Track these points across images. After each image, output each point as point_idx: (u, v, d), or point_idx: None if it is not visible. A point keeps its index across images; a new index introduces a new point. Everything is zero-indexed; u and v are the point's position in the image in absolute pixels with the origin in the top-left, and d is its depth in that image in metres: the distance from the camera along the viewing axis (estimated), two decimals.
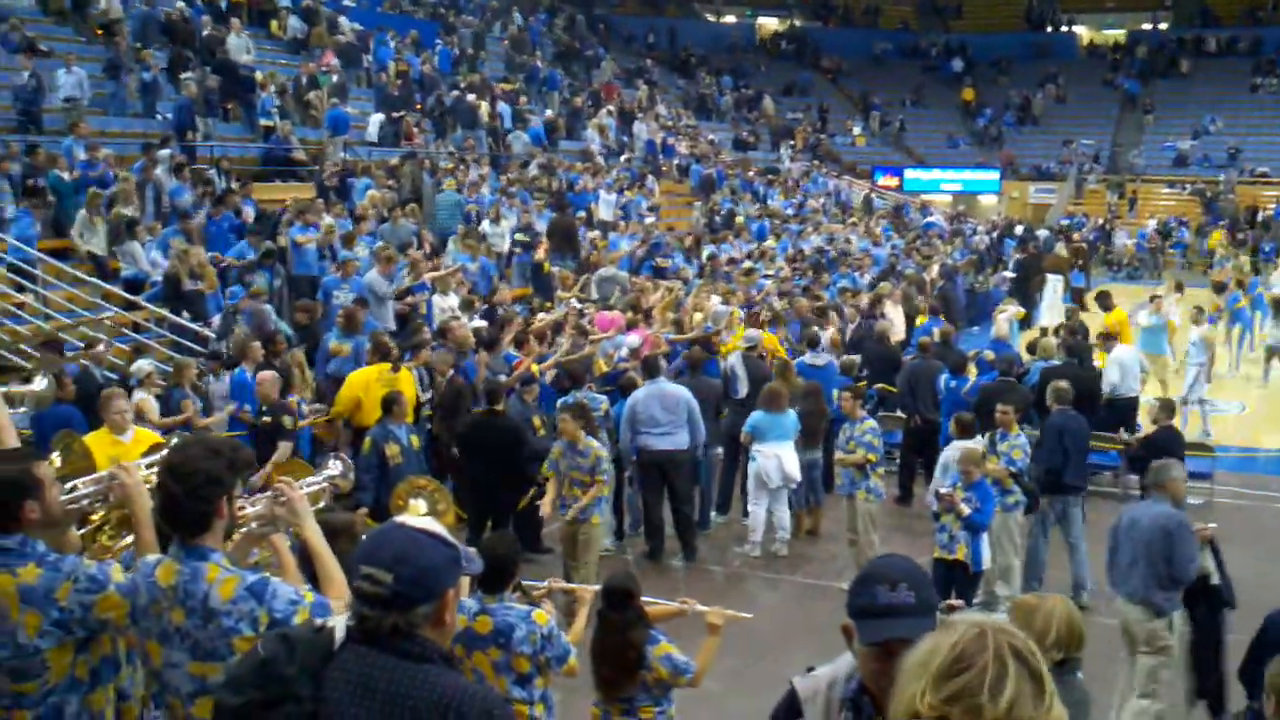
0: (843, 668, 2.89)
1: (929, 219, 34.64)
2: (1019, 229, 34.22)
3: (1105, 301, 17.21)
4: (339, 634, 2.48)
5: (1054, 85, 46.87)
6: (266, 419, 10.38)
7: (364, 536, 3.93)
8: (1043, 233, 33.33)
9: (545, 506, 9.71)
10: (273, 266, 14.70)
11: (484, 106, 26.06)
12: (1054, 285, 24.90)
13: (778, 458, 11.13)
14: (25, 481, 3.75)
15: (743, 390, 12.37)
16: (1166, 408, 10.86)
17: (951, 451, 9.98)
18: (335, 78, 23.35)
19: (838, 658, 2.96)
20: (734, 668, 8.33)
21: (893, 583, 2.63)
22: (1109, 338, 14.38)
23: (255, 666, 2.42)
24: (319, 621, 2.55)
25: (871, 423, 10.54)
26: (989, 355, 13.99)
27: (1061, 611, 4.47)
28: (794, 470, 11.23)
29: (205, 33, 21.96)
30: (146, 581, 3.47)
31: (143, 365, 10.71)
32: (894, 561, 2.85)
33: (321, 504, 4.35)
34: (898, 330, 17.05)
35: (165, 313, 13.14)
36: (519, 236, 19.47)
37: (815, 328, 14.40)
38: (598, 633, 5.55)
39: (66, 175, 15.29)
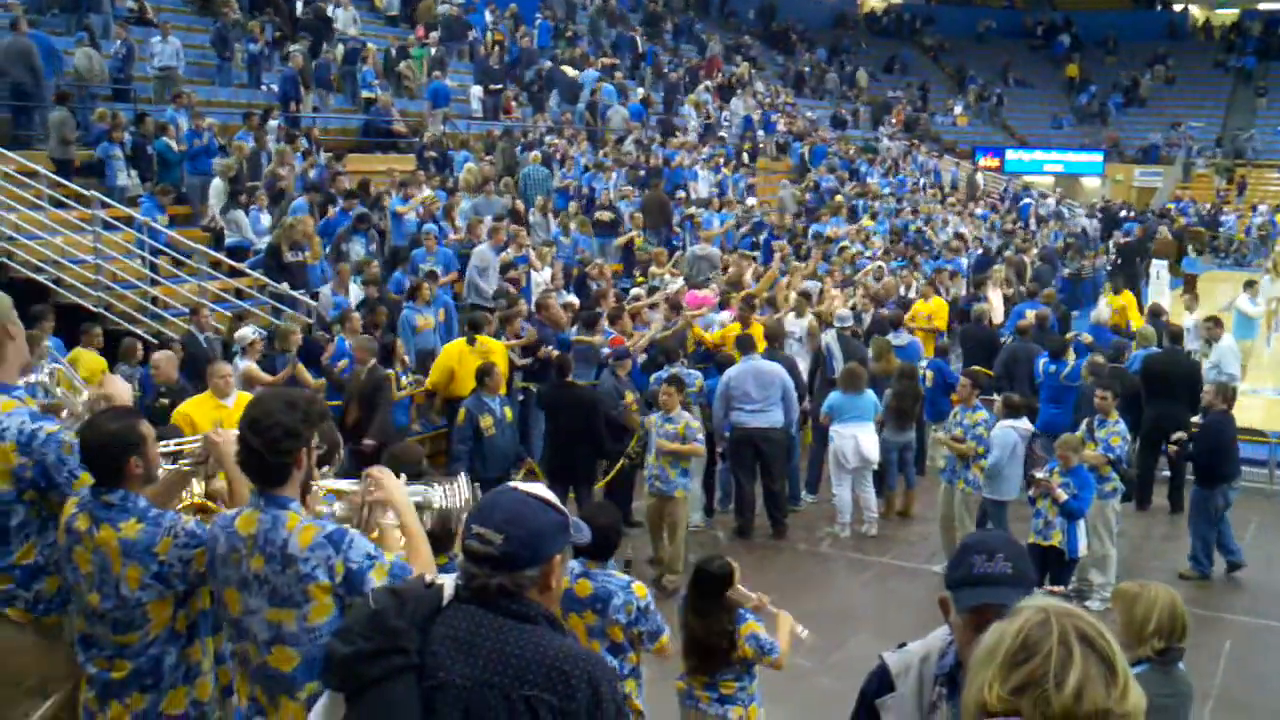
0: (935, 643, 2.87)
1: (1023, 201, 34.06)
2: (1128, 212, 33.47)
3: (1117, 284, 17.07)
4: (448, 591, 2.53)
5: (1163, 66, 45.58)
6: (164, 400, 9.51)
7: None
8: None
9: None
10: (367, 232, 14.84)
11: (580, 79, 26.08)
12: (1158, 270, 24.30)
13: (855, 438, 11.04)
14: (131, 437, 3.89)
15: (838, 369, 12.28)
16: (1221, 391, 10.62)
17: (998, 432, 9.87)
18: (434, 50, 23.52)
19: (930, 634, 2.95)
20: (823, 647, 8.31)
21: (990, 553, 2.64)
22: (1216, 324, 14.00)
23: (366, 618, 2.47)
24: (429, 578, 2.59)
25: (985, 414, 10.11)
26: (1086, 339, 13.74)
27: (1164, 600, 4.36)
28: (872, 451, 11.11)
29: (301, 2, 22.25)
30: (226, 531, 3.56)
31: (245, 333, 10.90)
32: (992, 535, 2.86)
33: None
34: (996, 313, 16.79)
35: (267, 280, 13.38)
36: (601, 216, 19.26)
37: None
38: (687, 616, 5.57)
39: (175, 145, 15.62)
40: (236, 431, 3.70)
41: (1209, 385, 11.01)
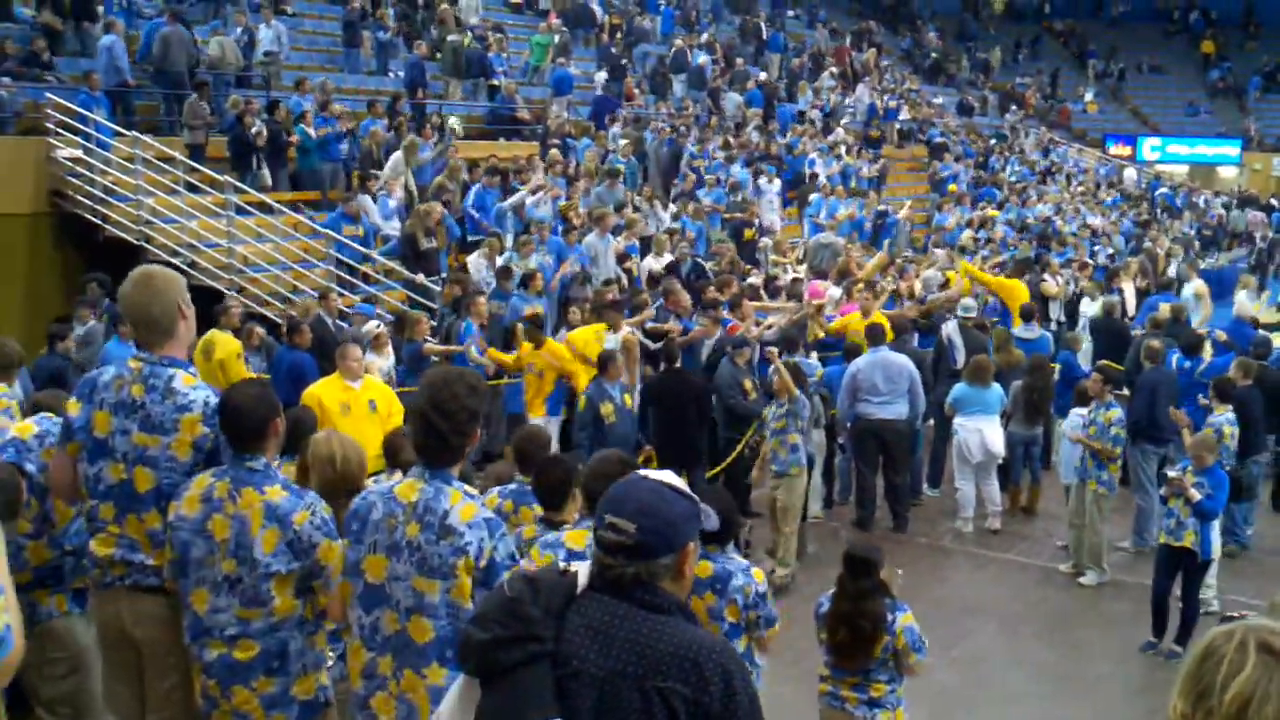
0: None
1: (1161, 189, 33.10)
2: (1275, 201, 32.34)
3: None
4: (582, 579, 2.54)
5: None
6: None
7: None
8: None
9: (755, 471, 9.74)
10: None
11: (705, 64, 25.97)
12: None
13: (980, 432, 10.85)
14: (272, 399, 4.13)
15: (960, 360, 12.07)
16: (1244, 368, 10.26)
17: (1072, 419, 9.88)
18: (557, 37, 23.62)
19: None
20: (943, 640, 8.22)
21: None
22: None
23: (501, 604, 2.48)
24: (563, 565, 2.60)
25: (1118, 411, 9.76)
26: (1220, 335, 13.29)
27: None
28: (997, 445, 10.91)
29: None
30: (384, 498, 3.66)
31: (370, 326, 11.04)
32: None
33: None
34: (1129, 306, 16.34)
35: (395, 265, 13.57)
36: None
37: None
38: (834, 599, 5.53)
39: (313, 132, 15.94)
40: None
41: (1235, 362, 10.57)
